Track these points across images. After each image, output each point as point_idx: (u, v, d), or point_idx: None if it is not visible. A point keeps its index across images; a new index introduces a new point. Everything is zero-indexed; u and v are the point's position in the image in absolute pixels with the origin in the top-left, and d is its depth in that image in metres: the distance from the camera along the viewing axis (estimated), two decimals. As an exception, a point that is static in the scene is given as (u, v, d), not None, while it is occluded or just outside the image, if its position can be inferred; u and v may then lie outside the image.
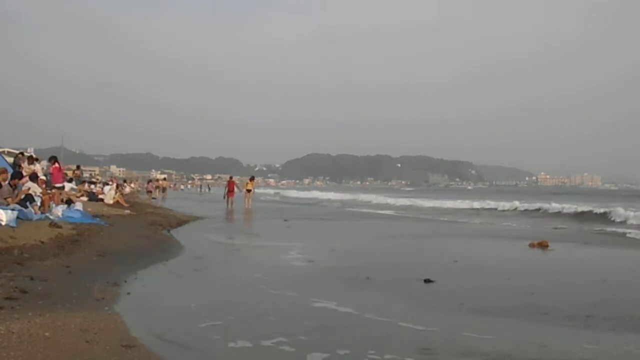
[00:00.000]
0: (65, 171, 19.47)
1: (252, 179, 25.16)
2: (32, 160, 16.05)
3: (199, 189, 76.54)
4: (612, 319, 4.95)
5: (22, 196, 10.83)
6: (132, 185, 51.54)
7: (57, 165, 15.00)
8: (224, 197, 24.52)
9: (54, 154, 17.08)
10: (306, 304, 5.37)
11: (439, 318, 4.97)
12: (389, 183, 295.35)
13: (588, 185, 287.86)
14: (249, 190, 24.22)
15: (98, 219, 12.12)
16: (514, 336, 4.42)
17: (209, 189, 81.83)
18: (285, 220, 17.01)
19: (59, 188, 14.36)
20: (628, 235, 13.75)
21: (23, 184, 11.55)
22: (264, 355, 3.81)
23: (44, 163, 17.23)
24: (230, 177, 26.12)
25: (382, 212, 25.20)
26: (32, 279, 5.37)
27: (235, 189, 25.05)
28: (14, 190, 10.94)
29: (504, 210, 25.43)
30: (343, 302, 5.39)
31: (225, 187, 25.06)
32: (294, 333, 4.27)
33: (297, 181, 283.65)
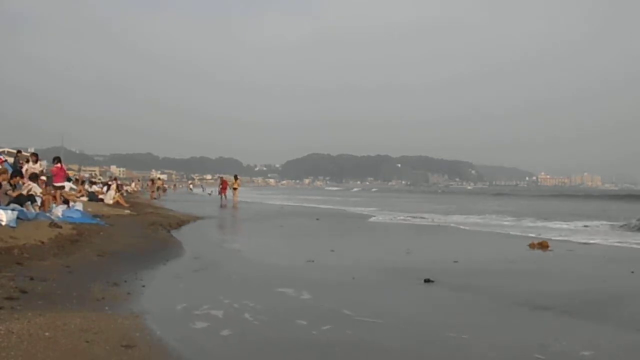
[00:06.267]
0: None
1: (236, 178, 28.66)
2: (36, 158, 16.03)
3: (207, 191, 74.54)
4: (613, 320, 4.94)
5: (25, 191, 10.84)
6: (133, 185, 51.65)
7: (59, 165, 14.96)
8: (218, 193, 29.73)
9: (55, 154, 17.07)
10: (304, 305, 5.37)
11: (431, 317, 4.98)
12: (389, 183, 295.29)
13: (588, 185, 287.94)
14: (235, 189, 28.01)
15: (98, 219, 12.11)
16: (513, 336, 4.42)
17: (191, 188, 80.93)
18: (317, 219, 17.96)
19: (58, 187, 14.36)
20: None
21: (24, 184, 11.56)
22: None
23: (44, 163, 17.21)
24: (221, 177, 31.23)
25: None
26: (32, 279, 5.36)
27: (227, 187, 29.45)
28: (14, 189, 10.96)
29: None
30: (337, 301, 5.38)
31: (219, 185, 29.68)
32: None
33: (297, 181, 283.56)
